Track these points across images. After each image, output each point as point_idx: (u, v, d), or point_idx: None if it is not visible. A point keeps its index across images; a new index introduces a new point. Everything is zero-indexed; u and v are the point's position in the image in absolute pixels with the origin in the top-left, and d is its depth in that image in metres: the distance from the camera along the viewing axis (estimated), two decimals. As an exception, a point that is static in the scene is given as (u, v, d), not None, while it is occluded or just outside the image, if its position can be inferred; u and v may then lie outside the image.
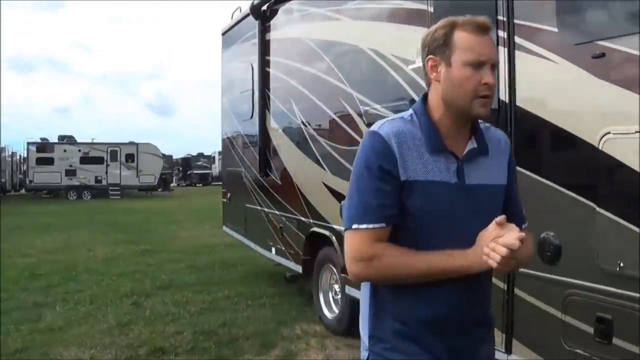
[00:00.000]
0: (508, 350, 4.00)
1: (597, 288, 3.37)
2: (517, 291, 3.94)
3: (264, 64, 7.99)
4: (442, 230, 2.00)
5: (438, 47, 2.00)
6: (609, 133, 3.26)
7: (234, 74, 9.51)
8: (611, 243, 3.27)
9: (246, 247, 9.49)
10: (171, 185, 44.49)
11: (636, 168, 3.13)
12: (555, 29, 3.59)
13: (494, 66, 1.98)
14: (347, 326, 6.48)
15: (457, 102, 2.00)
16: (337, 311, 6.80)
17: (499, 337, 3.98)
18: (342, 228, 5.16)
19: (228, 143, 10.05)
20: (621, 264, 3.20)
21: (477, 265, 1.92)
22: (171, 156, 53.05)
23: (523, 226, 2.23)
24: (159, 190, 39.73)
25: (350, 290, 6.15)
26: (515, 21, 3.86)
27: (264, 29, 7.96)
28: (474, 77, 1.96)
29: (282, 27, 7.52)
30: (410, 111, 2.10)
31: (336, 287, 6.85)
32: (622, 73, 3.24)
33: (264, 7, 7.89)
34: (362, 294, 2.20)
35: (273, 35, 7.82)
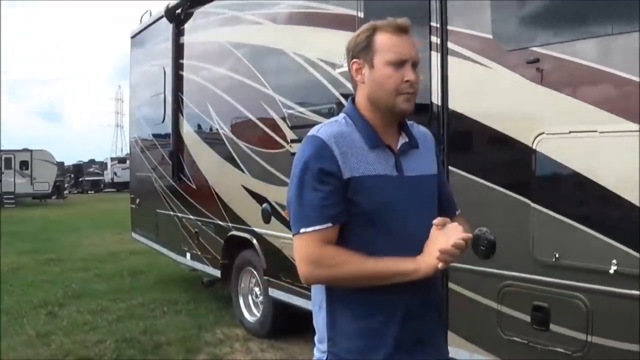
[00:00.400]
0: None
1: (533, 279, 3.58)
2: (451, 285, 4.10)
3: (178, 67, 7.87)
4: (391, 219, 2.09)
5: (361, 51, 2.12)
6: (543, 133, 3.48)
7: (144, 77, 9.34)
8: (547, 236, 3.49)
9: (157, 253, 9.33)
10: (64, 192, 42.90)
11: (570, 165, 3.36)
12: (490, 36, 3.78)
13: (415, 64, 2.09)
14: (270, 328, 6.53)
15: (382, 101, 2.10)
16: (258, 314, 6.80)
17: (434, 329, 4.12)
18: (264, 230, 5.19)
19: (137, 148, 9.83)
20: (557, 255, 3.41)
21: (425, 270, 2.01)
22: (63, 163, 51.09)
23: (457, 212, 2.41)
24: (53, 197, 38.17)
25: (274, 292, 6.19)
26: (450, 28, 4.03)
27: (179, 32, 7.85)
28: (395, 75, 2.06)
29: (199, 31, 7.45)
30: (343, 114, 2.19)
31: (257, 290, 6.86)
32: (556, 77, 3.45)
33: (179, 11, 7.77)
34: (314, 296, 2.25)
35: (188, 39, 7.74)
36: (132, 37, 9.82)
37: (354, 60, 2.16)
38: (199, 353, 6.14)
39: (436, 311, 2.27)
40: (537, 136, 3.50)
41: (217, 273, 7.31)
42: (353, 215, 2.07)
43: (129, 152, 10.04)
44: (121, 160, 51.93)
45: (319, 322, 2.21)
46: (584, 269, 3.31)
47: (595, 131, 3.24)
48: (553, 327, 3.48)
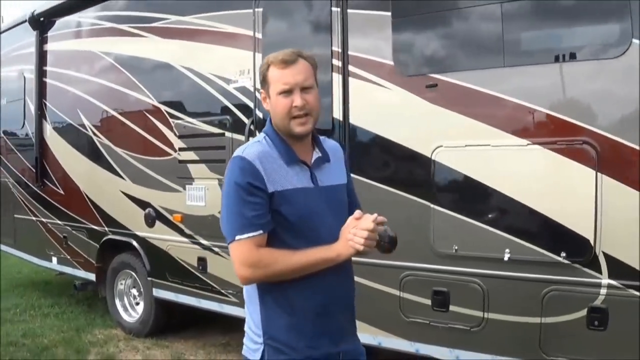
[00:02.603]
0: (346, 328, 4.54)
1: (434, 268, 4.10)
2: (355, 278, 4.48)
3: (42, 74, 7.58)
4: (310, 225, 2.39)
5: (262, 83, 2.44)
6: (440, 146, 4.00)
7: (-1, 83, 8.81)
8: (446, 232, 4.01)
9: (17, 258, 8.87)
10: None
11: (465, 172, 3.92)
12: (392, 63, 4.23)
13: (305, 88, 2.31)
14: (152, 326, 6.57)
15: (280, 125, 2.36)
16: (136, 314, 6.80)
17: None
18: (147, 234, 5.34)
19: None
20: (456, 247, 3.95)
21: (345, 252, 2.33)
22: None
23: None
24: None
25: (159, 292, 6.27)
26: (352, 53, 4.42)
27: (42, 40, 7.55)
28: (285, 102, 2.31)
29: (70, 39, 7.22)
30: (263, 134, 2.47)
31: (134, 291, 6.85)
32: (452, 100, 3.97)
33: (42, 18, 7.49)
34: (248, 295, 2.50)
35: (55, 47, 7.47)
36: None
37: (261, 90, 2.46)
38: (88, 353, 6.07)
39: (349, 309, 2.54)
40: (436, 148, 4.01)
41: (90, 276, 7.18)
42: (278, 224, 2.35)
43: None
44: None
45: (254, 317, 2.46)
46: (481, 257, 3.88)
47: (489, 144, 3.81)
48: (452, 307, 4.03)
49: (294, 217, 2.33)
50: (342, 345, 2.47)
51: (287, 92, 2.31)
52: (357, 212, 2.32)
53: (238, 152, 2.37)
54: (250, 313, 2.48)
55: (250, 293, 2.48)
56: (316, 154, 2.47)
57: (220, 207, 2.38)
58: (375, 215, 2.26)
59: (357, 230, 2.26)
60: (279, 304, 2.39)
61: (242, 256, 2.30)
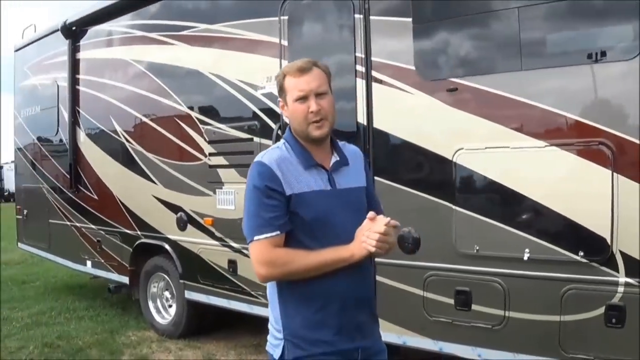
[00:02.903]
0: (372, 327, 4.67)
1: (456, 268, 4.21)
2: (379, 278, 4.62)
3: (75, 82, 7.85)
4: (326, 226, 2.52)
5: (280, 92, 2.59)
6: (462, 149, 4.11)
7: (33, 91, 9.10)
8: (468, 232, 4.13)
9: (52, 262, 9.17)
10: None
11: (485, 174, 4.03)
12: (413, 68, 4.36)
13: (320, 94, 2.45)
14: (184, 328, 6.77)
15: (299, 130, 2.51)
16: (169, 316, 7.01)
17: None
18: (179, 237, 5.56)
19: (24, 159, 9.56)
20: (477, 248, 4.06)
21: (358, 253, 2.44)
22: None
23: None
24: None
25: (191, 295, 6.46)
26: (375, 59, 4.57)
27: (75, 49, 7.82)
28: (302, 108, 2.46)
29: (101, 48, 7.46)
30: (283, 141, 2.63)
31: (167, 293, 7.06)
32: (472, 103, 4.09)
33: (74, 27, 7.75)
34: (269, 294, 2.66)
35: (87, 55, 7.72)
36: (16, 51, 9.52)
37: (279, 99, 2.62)
38: (122, 354, 6.28)
39: (368, 303, 2.65)
40: (457, 151, 4.13)
41: (124, 279, 7.41)
42: (295, 225, 2.47)
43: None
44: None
45: (274, 313, 2.62)
46: (501, 257, 3.99)
47: (508, 147, 3.92)
48: (475, 306, 4.14)
49: (311, 218, 2.48)
50: (360, 341, 2.58)
51: (303, 99, 2.46)
52: (371, 213, 2.42)
53: (258, 157, 2.53)
54: (272, 310, 2.63)
55: (270, 291, 2.64)
56: (334, 158, 2.62)
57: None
58: (389, 219, 2.37)
59: (370, 233, 2.39)
60: (297, 300, 2.54)
61: (260, 255, 2.45)
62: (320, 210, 2.50)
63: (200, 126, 6.08)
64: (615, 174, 3.60)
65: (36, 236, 9.26)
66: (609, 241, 3.63)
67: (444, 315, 4.29)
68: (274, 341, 2.60)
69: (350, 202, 2.59)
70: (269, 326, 2.67)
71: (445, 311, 4.28)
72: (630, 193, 3.57)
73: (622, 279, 3.63)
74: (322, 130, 2.49)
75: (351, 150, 2.74)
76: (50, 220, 8.75)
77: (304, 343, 2.52)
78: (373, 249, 2.38)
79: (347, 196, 2.59)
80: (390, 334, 4.56)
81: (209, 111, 6.04)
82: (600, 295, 3.70)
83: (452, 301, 4.24)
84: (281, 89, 2.55)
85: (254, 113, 5.50)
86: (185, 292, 6.51)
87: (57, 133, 8.45)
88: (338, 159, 2.63)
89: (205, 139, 6.04)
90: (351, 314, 2.56)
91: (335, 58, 4.78)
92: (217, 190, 5.88)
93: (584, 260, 3.72)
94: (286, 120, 2.62)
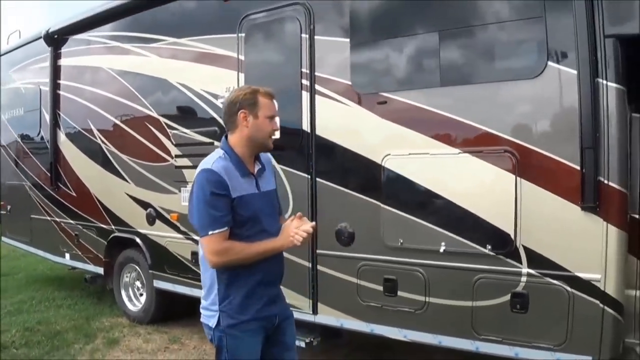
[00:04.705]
0: (315, 312, 5.11)
1: (384, 259, 4.63)
2: (319, 267, 5.05)
3: (56, 87, 8.18)
4: (257, 222, 3.10)
5: (248, 105, 3.11)
6: (389, 154, 4.54)
7: (17, 94, 9.38)
8: (394, 227, 4.55)
9: (32, 255, 9.49)
10: None
11: (408, 177, 4.46)
12: (349, 82, 4.78)
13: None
14: (154, 314, 7.15)
15: (259, 140, 3.10)
16: (140, 304, 7.39)
17: (306, 302, 5.10)
18: (148, 231, 5.98)
19: (8, 159, 9.86)
20: (401, 241, 4.48)
21: (286, 245, 3.05)
22: None
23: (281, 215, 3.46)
24: None
25: (159, 283, 6.83)
26: (317, 74, 4.97)
27: (56, 56, 8.15)
28: (270, 124, 3.10)
29: (81, 55, 7.78)
30: (222, 151, 3.13)
31: (138, 283, 7.43)
32: (399, 115, 4.52)
33: (56, 36, 8.08)
34: (206, 277, 3.17)
35: (68, 62, 8.04)
36: (1, 55, 9.80)
37: (242, 110, 3.09)
38: (96, 337, 6.66)
39: (281, 279, 3.28)
40: (385, 156, 4.56)
41: (99, 270, 7.77)
42: (237, 221, 3.01)
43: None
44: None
45: (211, 292, 3.13)
46: (422, 250, 4.42)
47: (428, 153, 4.35)
48: (400, 293, 4.56)
49: (247, 215, 3.05)
50: (277, 309, 3.21)
51: (272, 117, 3.09)
52: (299, 214, 3.12)
53: (207, 164, 3.04)
54: (208, 290, 3.16)
55: (206, 275, 3.17)
56: (258, 166, 3.20)
57: (191, 207, 3.05)
58: (314, 223, 3.08)
59: (299, 230, 3.01)
60: (232, 280, 3.08)
61: (214, 247, 2.99)
62: (254, 209, 3.08)
63: (168, 130, 6.45)
64: (518, 177, 4.03)
65: (19, 230, 9.57)
66: (512, 236, 4.06)
67: (375, 300, 4.71)
68: (209, 313, 3.14)
69: (269, 202, 3.23)
70: (202, 302, 3.19)
71: (376, 297, 4.70)
72: (532, 194, 4.01)
73: (525, 269, 4.06)
74: (271, 143, 3.15)
75: (266, 158, 3.32)
76: (32, 216, 9.07)
77: (236, 314, 3.06)
78: (299, 244, 2.99)
79: (268, 197, 3.21)
80: (330, 317, 5.01)
81: (176, 117, 6.41)
82: (506, 284, 4.14)
83: (381, 288, 4.66)
84: (254, 104, 3.07)
85: (214, 119, 5.87)
86: (154, 281, 6.88)
87: (39, 134, 8.76)
88: (260, 166, 3.21)
89: (172, 142, 6.41)
90: (271, 287, 3.19)
91: (283, 72, 5.19)
92: (182, 188, 6.27)
93: (492, 253, 4.14)
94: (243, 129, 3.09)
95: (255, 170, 3.16)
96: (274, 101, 3.14)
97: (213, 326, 3.09)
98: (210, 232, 2.95)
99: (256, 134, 3.08)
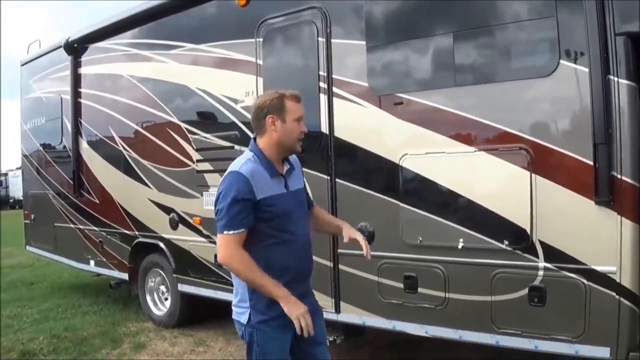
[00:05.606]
0: (337, 311, 5.32)
1: (404, 257, 4.83)
2: (341, 267, 5.26)
3: (77, 95, 8.48)
4: (288, 220, 3.29)
5: (276, 110, 3.28)
6: (406, 154, 4.74)
7: (38, 103, 9.70)
8: (412, 225, 4.74)
9: (57, 263, 9.81)
10: None
11: (425, 175, 4.65)
12: (366, 84, 4.99)
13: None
14: (178, 318, 7.41)
15: (288, 143, 3.26)
16: (165, 308, 7.65)
17: (329, 301, 5.30)
18: (172, 236, 6.24)
19: (30, 166, 10.19)
20: (420, 239, 4.68)
21: (286, 308, 3.15)
22: None
23: (313, 205, 3.68)
24: None
25: (183, 287, 7.08)
26: (335, 76, 5.18)
27: (77, 64, 8.44)
28: (298, 127, 3.25)
29: (102, 63, 8.06)
30: (251, 153, 3.32)
31: (162, 287, 7.68)
32: (415, 115, 4.73)
33: (76, 45, 8.37)
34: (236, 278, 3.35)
35: (88, 70, 8.32)
36: (23, 65, 10.14)
37: (270, 115, 3.27)
38: (122, 342, 6.91)
39: (310, 274, 3.45)
40: (402, 156, 4.76)
41: (124, 276, 8.05)
42: (263, 220, 3.17)
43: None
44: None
45: (242, 290, 3.32)
46: (441, 247, 4.62)
47: (444, 152, 4.55)
48: (420, 289, 4.76)
49: (275, 214, 3.23)
50: (306, 304, 3.29)
51: (299, 120, 3.24)
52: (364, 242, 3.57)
53: (235, 167, 3.23)
54: (238, 288, 3.37)
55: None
56: (286, 167, 3.39)
57: (215, 203, 3.22)
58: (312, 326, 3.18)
59: (306, 320, 3.14)
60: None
61: (227, 246, 3.16)
62: (284, 208, 3.26)
63: (189, 135, 6.70)
64: (533, 174, 4.20)
65: (43, 239, 9.90)
66: (529, 231, 4.23)
67: (396, 297, 4.91)
68: (240, 310, 3.34)
69: (298, 200, 3.42)
70: (233, 300, 3.40)
71: (396, 294, 4.90)
72: (547, 190, 4.18)
73: (542, 263, 4.23)
74: (301, 146, 3.31)
75: (294, 159, 3.50)
76: (56, 224, 9.39)
77: (266, 310, 3.24)
78: (298, 327, 3.14)
79: (297, 196, 3.40)
80: (352, 315, 5.22)
81: (196, 122, 6.66)
82: (523, 278, 4.30)
83: (401, 285, 4.86)
84: (281, 108, 3.24)
85: (234, 124, 6.11)
86: (179, 285, 7.13)
87: (61, 142, 9.08)
88: (289, 167, 3.40)
89: (193, 147, 6.66)
90: (301, 283, 3.36)
91: (301, 75, 5.41)
92: (203, 192, 6.51)
93: (509, 249, 4.32)
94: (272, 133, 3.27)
95: (284, 171, 3.35)
96: (300, 103, 3.28)
97: (244, 322, 3.29)
98: (225, 232, 3.11)
99: (284, 138, 3.24)
